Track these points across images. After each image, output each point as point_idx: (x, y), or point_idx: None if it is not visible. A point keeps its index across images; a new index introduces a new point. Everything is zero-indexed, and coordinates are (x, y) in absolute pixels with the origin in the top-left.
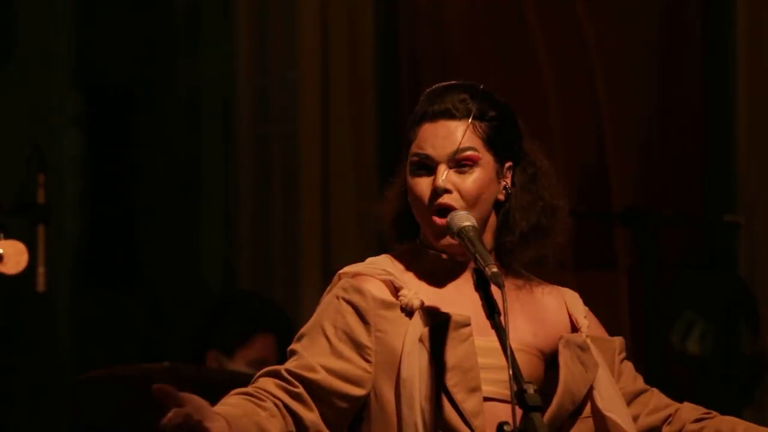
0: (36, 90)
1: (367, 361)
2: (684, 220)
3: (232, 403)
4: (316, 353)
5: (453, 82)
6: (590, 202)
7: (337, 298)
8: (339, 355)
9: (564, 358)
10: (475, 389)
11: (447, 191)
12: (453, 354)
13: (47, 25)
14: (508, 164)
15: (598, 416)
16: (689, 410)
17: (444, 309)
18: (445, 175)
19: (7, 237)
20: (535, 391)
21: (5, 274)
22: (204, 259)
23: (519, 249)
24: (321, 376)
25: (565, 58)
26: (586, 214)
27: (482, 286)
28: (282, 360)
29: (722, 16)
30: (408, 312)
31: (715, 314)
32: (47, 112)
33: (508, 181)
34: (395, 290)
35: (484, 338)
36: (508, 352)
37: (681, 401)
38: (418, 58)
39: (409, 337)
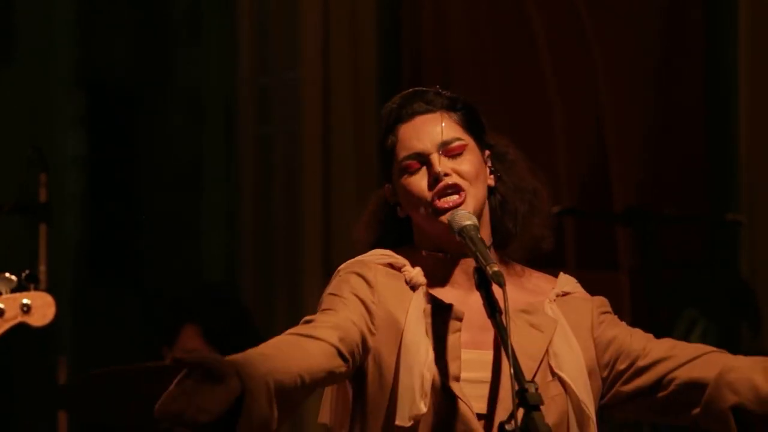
0: (37, 90)
1: (373, 323)
2: (686, 219)
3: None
4: (338, 308)
5: (413, 89)
6: (592, 202)
7: (344, 273)
8: (354, 307)
9: (514, 327)
10: (456, 379)
11: (447, 174)
12: (444, 340)
13: (48, 25)
14: (486, 153)
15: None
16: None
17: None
18: (440, 162)
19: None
20: (536, 390)
21: (31, 325)
22: (206, 259)
23: (515, 240)
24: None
25: (567, 58)
26: (587, 214)
27: (484, 285)
28: (211, 349)
29: (724, 16)
30: (412, 286)
31: (716, 313)
32: (48, 112)
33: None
34: (398, 270)
35: (475, 351)
36: (510, 351)
37: None
38: (420, 58)
39: (414, 307)
